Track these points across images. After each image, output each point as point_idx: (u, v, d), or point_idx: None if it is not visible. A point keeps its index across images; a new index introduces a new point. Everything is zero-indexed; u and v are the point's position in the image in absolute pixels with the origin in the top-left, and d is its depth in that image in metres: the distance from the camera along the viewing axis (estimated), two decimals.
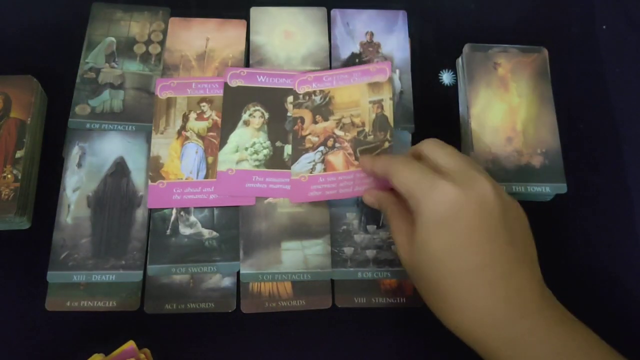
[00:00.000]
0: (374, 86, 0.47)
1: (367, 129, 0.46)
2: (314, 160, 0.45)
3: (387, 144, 0.45)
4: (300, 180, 0.45)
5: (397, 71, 0.50)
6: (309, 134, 0.46)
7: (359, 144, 0.45)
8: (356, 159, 0.45)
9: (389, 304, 0.44)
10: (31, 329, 0.42)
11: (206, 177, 0.45)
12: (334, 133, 0.46)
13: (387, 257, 0.44)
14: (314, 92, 0.47)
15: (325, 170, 0.45)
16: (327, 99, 0.47)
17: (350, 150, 0.45)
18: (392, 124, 0.45)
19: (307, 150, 0.46)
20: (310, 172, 0.45)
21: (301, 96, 0.47)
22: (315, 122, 0.46)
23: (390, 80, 0.47)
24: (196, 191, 0.45)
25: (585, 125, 0.50)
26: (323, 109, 0.47)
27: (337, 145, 0.46)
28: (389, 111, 0.46)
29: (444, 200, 0.34)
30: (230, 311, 0.43)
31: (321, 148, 0.46)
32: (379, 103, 0.46)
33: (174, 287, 0.43)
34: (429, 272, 0.35)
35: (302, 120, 0.47)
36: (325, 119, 0.46)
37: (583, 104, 0.51)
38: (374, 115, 0.46)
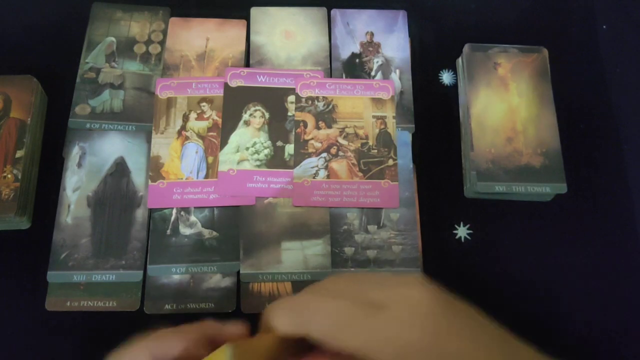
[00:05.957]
0: (377, 102, 0.47)
1: (370, 142, 0.46)
2: (317, 166, 0.46)
3: (391, 162, 0.46)
4: (303, 184, 0.45)
5: (397, 71, 0.50)
6: (312, 138, 0.46)
7: (363, 156, 0.46)
8: (360, 170, 0.45)
9: None
10: (31, 329, 0.42)
11: (206, 177, 0.45)
12: (337, 141, 0.46)
13: (388, 258, 0.44)
14: (317, 97, 0.47)
15: (328, 177, 0.45)
16: (331, 106, 0.47)
17: (354, 161, 0.46)
18: (395, 142, 0.46)
19: (309, 155, 0.46)
20: (313, 177, 0.45)
21: (304, 100, 0.47)
22: (318, 127, 0.47)
23: (393, 99, 0.47)
24: (196, 191, 0.45)
25: (585, 125, 0.50)
26: (326, 116, 0.47)
27: (340, 153, 0.46)
28: (392, 129, 0.47)
29: None
30: (230, 311, 0.43)
31: (324, 154, 0.46)
32: (382, 119, 0.47)
33: (174, 287, 0.43)
34: None
35: (305, 124, 0.47)
36: (329, 126, 0.47)
37: (583, 104, 0.51)
38: (377, 130, 0.46)
